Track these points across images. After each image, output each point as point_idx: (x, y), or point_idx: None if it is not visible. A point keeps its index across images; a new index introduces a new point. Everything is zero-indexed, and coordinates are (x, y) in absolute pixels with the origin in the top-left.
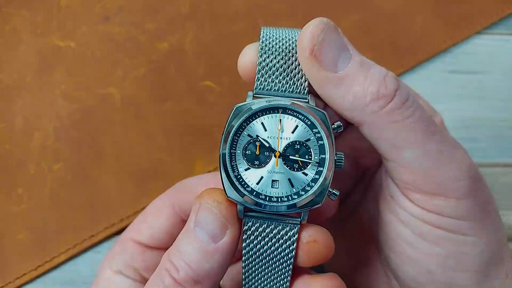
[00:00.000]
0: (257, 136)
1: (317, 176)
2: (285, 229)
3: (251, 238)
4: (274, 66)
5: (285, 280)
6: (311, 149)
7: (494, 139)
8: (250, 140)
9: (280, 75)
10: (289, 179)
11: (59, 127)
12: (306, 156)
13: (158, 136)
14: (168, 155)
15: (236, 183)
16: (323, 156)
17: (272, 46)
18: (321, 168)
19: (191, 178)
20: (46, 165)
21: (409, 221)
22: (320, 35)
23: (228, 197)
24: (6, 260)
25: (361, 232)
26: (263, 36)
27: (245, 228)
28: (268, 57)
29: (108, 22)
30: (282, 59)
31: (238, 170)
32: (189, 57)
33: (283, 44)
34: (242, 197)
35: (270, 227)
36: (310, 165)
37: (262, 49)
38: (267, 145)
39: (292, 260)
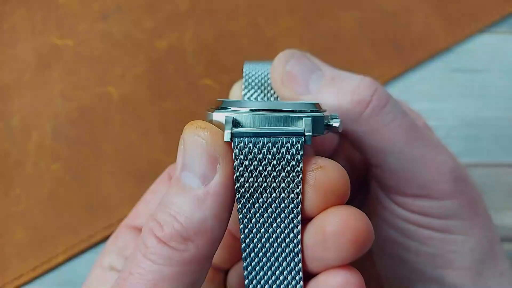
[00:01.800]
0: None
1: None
2: (287, 145)
3: (244, 163)
4: (258, 95)
5: (294, 213)
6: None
7: (497, 139)
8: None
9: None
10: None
11: (57, 126)
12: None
13: (157, 135)
14: (167, 155)
15: (227, 101)
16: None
17: (252, 81)
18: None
19: None
20: (44, 165)
21: (396, 222)
22: (287, 64)
23: (212, 114)
24: (4, 260)
25: None
26: (245, 73)
27: (235, 151)
28: (251, 87)
29: (106, 20)
30: (264, 88)
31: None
32: (188, 56)
33: (262, 79)
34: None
35: (267, 145)
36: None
37: (246, 81)
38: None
39: (300, 186)
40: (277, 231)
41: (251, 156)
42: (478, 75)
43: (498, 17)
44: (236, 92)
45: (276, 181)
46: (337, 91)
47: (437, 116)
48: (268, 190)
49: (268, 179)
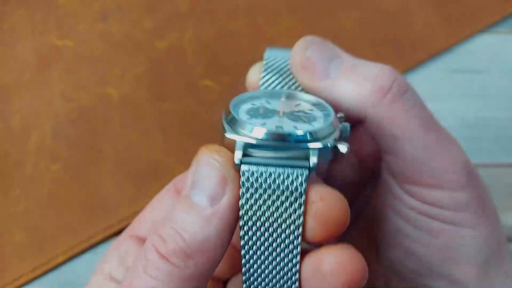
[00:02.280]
0: (261, 104)
1: (327, 116)
2: (291, 177)
3: (250, 191)
4: (276, 79)
5: (294, 244)
6: (316, 115)
7: (497, 139)
8: (253, 106)
9: (282, 87)
10: (294, 127)
11: (57, 126)
12: (311, 113)
13: (156, 135)
14: (167, 155)
15: (236, 116)
16: (326, 112)
17: (272, 65)
18: (329, 118)
19: None
20: (43, 165)
21: (407, 214)
22: (307, 50)
23: (225, 134)
24: (3, 261)
25: (360, 236)
26: (265, 57)
27: (242, 179)
28: (271, 70)
29: (106, 20)
30: (284, 73)
31: (239, 114)
32: (188, 56)
33: (282, 63)
34: (241, 135)
35: (274, 174)
36: (316, 120)
37: (266, 64)
38: (270, 107)
39: (301, 218)
40: (277, 259)
41: (257, 184)
42: (479, 76)
43: (499, 17)
44: (254, 74)
45: (279, 210)
46: (358, 77)
47: (437, 116)
48: (271, 218)
49: (271, 208)
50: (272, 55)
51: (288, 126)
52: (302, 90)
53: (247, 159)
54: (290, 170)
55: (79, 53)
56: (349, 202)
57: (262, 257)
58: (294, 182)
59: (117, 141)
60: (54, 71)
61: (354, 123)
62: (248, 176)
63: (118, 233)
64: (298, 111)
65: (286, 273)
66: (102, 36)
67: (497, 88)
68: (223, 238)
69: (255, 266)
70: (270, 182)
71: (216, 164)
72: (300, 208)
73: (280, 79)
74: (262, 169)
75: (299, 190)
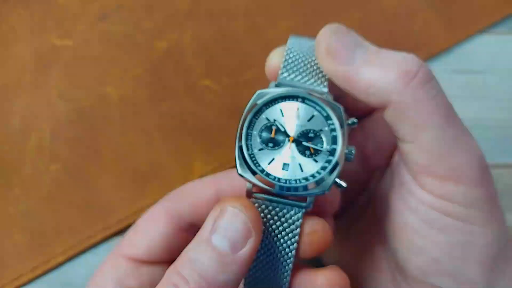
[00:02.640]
0: (274, 120)
1: (326, 165)
2: (290, 213)
3: None
4: (299, 63)
5: (287, 268)
6: (323, 139)
7: (496, 140)
8: (267, 123)
9: (303, 71)
10: (299, 164)
11: (56, 127)
12: (318, 145)
13: (156, 136)
14: (166, 155)
15: (249, 161)
16: (334, 146)
17: (297, 54)
18: (331, 158)
19: (186, 184)
20: (43, 166)
21: (418, 208)
22: (331, 36)
23: (239, 173)
24: (3, 261)
25: (367, 232)
26: (289, 44)
27: None
28: (293, 55)
29: (105, 20)
30: (306, 59)
31: (252, 149)
32: (187, 56)
33: (307, 53)
34: (254, 176)
35: (276, 209)
36: (321, 153)
37: (288, 49)
38: (283, 129)
39: (295, 244)
40: (271, 275)
41: (262, 214)
42: (478, 76)
43: (498, 18)
44: (276, 59)
45: (278, 236)
46: (384, 62)
47: None
48: (271, 242)
49: (272, 233)
50: (295, 42)
51: (293, 166)
52: (325, 78)
53: (257, 195)
54: (289, 208)
55: (79, 53)
56: (353, 198)
57: (260, 272)
58: (292, 216)
59: (116, 141)
60: (54, 71)
61: (366, 114)
62: (256, 207)
63: (117, 233)
64: (308, 136)
65: (280, 276)
66: (101, 36)
67: (497, 89)
68: (240, 278)
69: (256, 270)
70: (273, 214)
71: (244, 218)
72: (295, 237)
73: (305, 61)
74: (267, 204)
75: (296, 223)
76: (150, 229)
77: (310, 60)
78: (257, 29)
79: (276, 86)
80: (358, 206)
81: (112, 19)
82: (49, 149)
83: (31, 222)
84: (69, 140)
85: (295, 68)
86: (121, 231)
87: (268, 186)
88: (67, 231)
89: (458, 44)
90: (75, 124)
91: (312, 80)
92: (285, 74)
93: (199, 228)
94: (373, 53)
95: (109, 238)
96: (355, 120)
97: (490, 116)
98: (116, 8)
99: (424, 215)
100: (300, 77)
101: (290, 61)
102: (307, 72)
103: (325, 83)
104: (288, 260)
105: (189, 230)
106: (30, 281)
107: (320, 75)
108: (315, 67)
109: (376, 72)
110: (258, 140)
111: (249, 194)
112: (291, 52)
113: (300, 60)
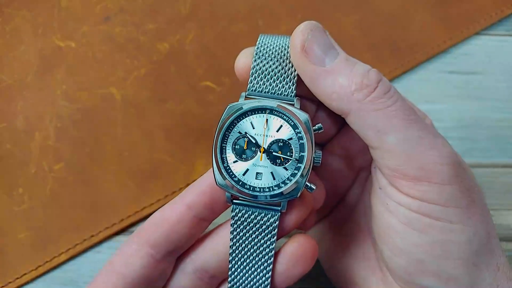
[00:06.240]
0: (246, 133)
1: (296, 171)
2: (267, 216)
3: (237, 223)
4: (266, 70)
5: (265, 265)
6: (292, 147)
7: (493, 139)
8: (239, 136)
9: (271, 78)
10: (271, 173)
11: (60, 127)
12: (288, 153)
13: (158, 136)
14: (169, 155)
15: (225, 173)
16: (302, 154)
17: (266, 52)
18: (300, 165)
19: (155, 213)
20: (46, 165)
21: (397, 210)
22: (309, 33)
23: (218, 185)
24: (7, 259)
25: (358, 231)
26: (259, 43)
27: (232, 214)
28: (261, 61)
29: (108, 22)
30: (273, 64)
31: (227, 161)
32: (189, 58)
33: (276, 51)
34: (231, 187)
35: (255, 214)
36: (290, 161)
37: (256, 54)
38: (254, 141)
39: (274, 245)
40: (255, 264)
41: (243, 219)
42: (475, 77)
43: (495, 19)
44: (244, 60)
45: (259, 237)
46: (350, 72)
47: (434, 117)
48: (251, 242)
49: (253, 235)
50: (264, 41)
51: (266, 175)
52: (294, 79)
53: (235, 201)
54: (266, 211)
55: (82, 55)
56: (340, 196)
57: (242, 268)
58: (270, 220)
59: (119, 141)
60: (57, 72)
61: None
62: (236, 213)
63: (120, 231)
64: (278, 145)
65: (260, 274)
66: (104, 38)
67: (494, 89)
68: None
69: (239, 270)
70: (252, 219)
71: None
72: (274, 237)
73: (273, 67)
74: (246, 209)
75: (273, 225)
76: (124, 268)
77: (278, 64)
78: (257, 32)
79: (247, 96)
80: (348, 206)
81: (115, 21)
82: (53, 149)
83: (35, 221)
84: (72, 140)
85: (263, 76)
86: (124, 230)
87: (245, 195)
88: (71, 230)
89: (456, 45)
90: (78, 124)
91: (280, 86)
92: (254, 83)
93: (179, 253)
94: (342, 60)
95: (111, 237)
96: (320, 125)
97: (487, 116)
98: (119, 11)
99: (404, 217)
100: (268, 83)
101: (258, 67)
102: (275, 78)
103: (293, 91)
104: (268, 260)
105: (166, 258)
106: (34, 279)
107: (288, 79)
108: (282, 71)
109: (341, 80)
110: (232, 153)
111: (228, 202)
112: (259, 57)
113: (268, 66)
